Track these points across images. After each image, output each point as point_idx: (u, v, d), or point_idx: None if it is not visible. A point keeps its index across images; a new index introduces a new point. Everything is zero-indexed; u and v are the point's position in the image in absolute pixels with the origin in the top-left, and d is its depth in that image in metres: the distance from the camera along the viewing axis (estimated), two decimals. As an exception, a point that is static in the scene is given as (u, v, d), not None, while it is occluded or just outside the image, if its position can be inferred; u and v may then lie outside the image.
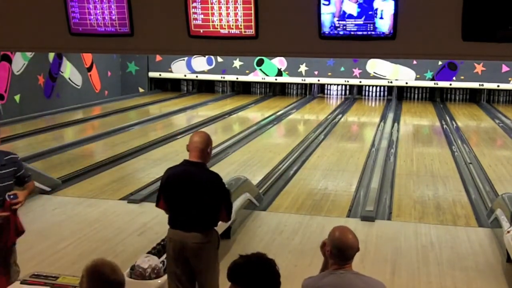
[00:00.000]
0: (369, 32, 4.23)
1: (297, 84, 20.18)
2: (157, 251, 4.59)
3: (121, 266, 2.61)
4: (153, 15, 4.65)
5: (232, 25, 4.46)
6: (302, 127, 14.98)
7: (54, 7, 4.75)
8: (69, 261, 5.35)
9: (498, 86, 18.43)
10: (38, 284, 3.55)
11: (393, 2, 4.14)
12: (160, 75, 20.41)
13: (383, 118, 15.26)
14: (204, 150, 3.84)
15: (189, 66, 20.17)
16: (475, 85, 18.61)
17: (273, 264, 2.57)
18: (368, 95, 20.08)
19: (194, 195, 3.81)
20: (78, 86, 17.05)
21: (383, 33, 4.21)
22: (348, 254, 2.88)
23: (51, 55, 15.49)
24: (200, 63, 20.04)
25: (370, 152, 10.67)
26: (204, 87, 20.84)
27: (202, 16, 4.49)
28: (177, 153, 10.43)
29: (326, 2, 4.21)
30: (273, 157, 10.16)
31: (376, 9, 4.17)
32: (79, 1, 4.67)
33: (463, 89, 19.21)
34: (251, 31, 4.44)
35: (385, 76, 19.15)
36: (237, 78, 20.08)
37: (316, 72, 19.49)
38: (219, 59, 19.84)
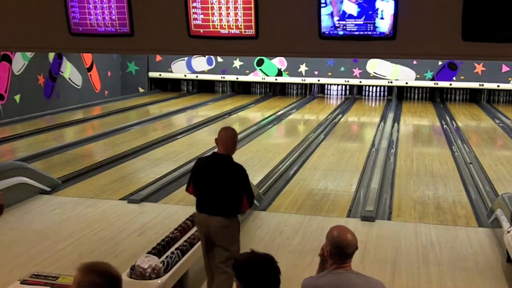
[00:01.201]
0: (369, 32, 4.23)
1: (297, 84, 20.18)
2: (157, 251, 4.59)
3: (121, 266, 2.61)
4: (153, 15, 4.65)
5: (232, 25, 4.46)
6: (302, 127, 14.98)
7: (54, 7, 4.74)
8: (69, 261, 5.34)
9: (498, 86, 18.43)
10: (38, 284, 3.56)
11: (393, 2, 4.14)
12: (160, 75, 20.40)
13: (383, 118, 15.26)
14: (230, 144, 4.29)
15: (189, 66, 20.16)
16: (475, 85, 18.62)
17: (278, 271, 2.56)
18: (368, 95, 20.08)
19: (219, 183, 4.24)
20: (78, 86, 17.05)
21: (383, 33, 4.21)
22: (347, 252, 2.87)
23: (51, 55, 15.49)
24: (200, 63, 20.04)
25: (370, 152, 10.67)
26: (204, 87, 20.84)
27: (202, 16, 4.49)
28: (177, 153, 10.44)
29: (323, 4, 4.21)
30: (273, 157, 10.15)
31: (376, 9, 4.17)
32: (79, 1, 4.67)
33: (463, 89, 19.21)
34: (251, 31, 4.44)
35: (385, 76, 19.15)
36: (237, 78, 20.08)
37: (316, 72, 19.49)
38: (219, 59, 19.83)
